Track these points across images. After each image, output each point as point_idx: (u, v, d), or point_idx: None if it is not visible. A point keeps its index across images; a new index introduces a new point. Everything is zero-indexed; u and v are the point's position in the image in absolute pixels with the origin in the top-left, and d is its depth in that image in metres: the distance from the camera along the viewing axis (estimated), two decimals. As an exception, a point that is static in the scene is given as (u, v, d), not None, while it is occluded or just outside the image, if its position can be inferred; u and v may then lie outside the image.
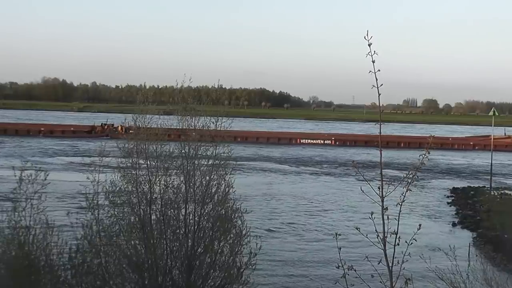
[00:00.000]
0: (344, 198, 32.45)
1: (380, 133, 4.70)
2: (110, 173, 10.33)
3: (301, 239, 22.88)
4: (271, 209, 28.34)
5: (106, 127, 67.62)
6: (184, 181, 10.59)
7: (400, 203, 4.55)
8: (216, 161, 10.85)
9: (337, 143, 69.75)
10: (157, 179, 10.42)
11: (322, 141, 70.49)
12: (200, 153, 10.81)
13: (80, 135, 67.07)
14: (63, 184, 27.50)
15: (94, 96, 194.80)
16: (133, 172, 10.35)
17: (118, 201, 10.13)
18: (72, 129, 70.52)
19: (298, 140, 71.47)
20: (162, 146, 10.81)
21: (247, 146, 61.59)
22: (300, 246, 21.58)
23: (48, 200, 9.61)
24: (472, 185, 39.01)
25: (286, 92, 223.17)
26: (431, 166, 43.51)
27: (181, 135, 11.24)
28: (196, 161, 10.68)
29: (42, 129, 68.11)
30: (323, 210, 29.10)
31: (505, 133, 78.83)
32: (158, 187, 10.43)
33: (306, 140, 70.96)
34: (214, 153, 10.90)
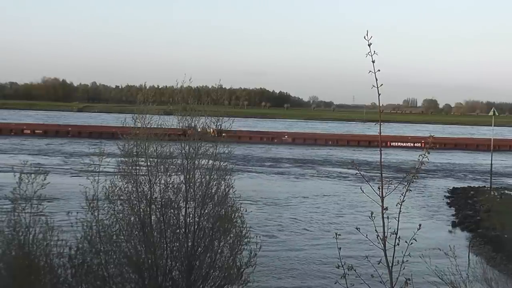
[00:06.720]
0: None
1: (380, 133, 4.70)
2: (110, 173, 10.30)
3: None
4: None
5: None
6: (184, 181, 10.58)
7: (400, 203, 4.56)
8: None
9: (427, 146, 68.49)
10: (157, 179, 10.40)
11: (412, 144, 68.95)
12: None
13: (174, 138, 66.50)
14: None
15: (94, 96, 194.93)
16: (133, 172, 10.32)
17: (118, 202, 10.10)
18: None
19: (388, 143, 69.90)
20: (162, 146, 10.77)
21: (354, 149, 63.87)
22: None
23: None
24: (472, 185, 39.01)
25: (286, 92, 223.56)
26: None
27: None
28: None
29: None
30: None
31: None
32: (158, 187, 10.42)
33: (396, 143, 69.56)
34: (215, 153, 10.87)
